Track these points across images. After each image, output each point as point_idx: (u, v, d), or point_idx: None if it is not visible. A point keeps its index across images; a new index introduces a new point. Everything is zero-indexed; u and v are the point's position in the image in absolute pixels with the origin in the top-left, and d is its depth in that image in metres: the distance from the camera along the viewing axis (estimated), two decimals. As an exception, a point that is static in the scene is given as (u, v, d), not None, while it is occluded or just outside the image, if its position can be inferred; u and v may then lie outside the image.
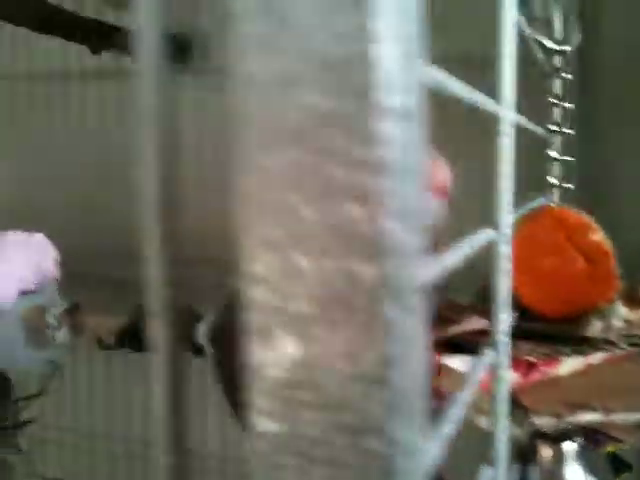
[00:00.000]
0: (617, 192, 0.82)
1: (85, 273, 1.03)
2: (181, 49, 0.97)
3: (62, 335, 0.90)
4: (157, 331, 0.18)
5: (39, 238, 0.74)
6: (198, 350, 0.90)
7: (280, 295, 0.15)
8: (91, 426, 1.28)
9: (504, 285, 0.30)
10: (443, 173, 0.54)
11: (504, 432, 0.34)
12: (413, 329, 0.14)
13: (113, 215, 1.20)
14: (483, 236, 0.27)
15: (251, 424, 0.15)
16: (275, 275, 0.15)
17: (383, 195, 0.13)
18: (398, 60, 0.12)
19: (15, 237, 0.73)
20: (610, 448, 0.52)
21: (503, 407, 0.33)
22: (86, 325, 0.93)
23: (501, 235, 0.29)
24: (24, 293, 0.77)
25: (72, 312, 0.91)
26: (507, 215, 0.29)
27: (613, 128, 0.83)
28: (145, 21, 0.15)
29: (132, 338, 0.96)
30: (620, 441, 0.44)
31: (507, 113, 0.28)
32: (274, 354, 0.15)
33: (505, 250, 0.29)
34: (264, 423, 0.15)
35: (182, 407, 0.18)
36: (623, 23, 0.81)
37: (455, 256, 0.23)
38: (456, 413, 0.26)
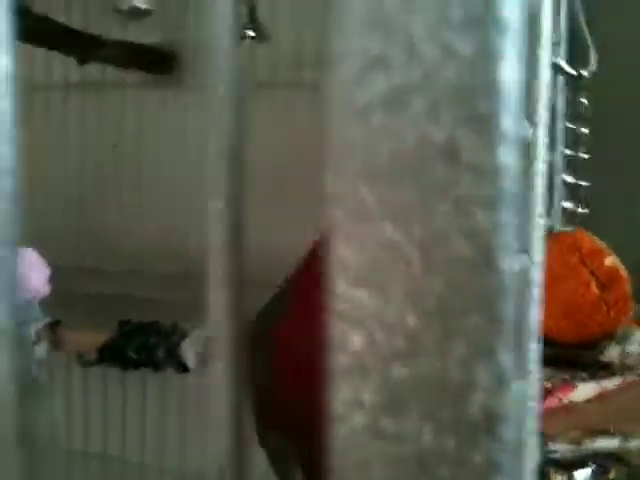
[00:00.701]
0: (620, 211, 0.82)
1: (67, 289, 1.01)
2: (162, 61, 0.96)
3: (41, 350, 0.89)
4: (220, 349, 0.16)
5: (29, 254, 0.72)
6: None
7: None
8: (69, 442, 1.25)
9: (534, 313, 0.29)
10: None
11: (531, 464, 0.33)
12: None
13: (98, 231, 1.18)
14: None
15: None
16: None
17: (496, 230, 0.12)
18: (519, 84, 0.11)
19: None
20: (611, 475, 0.51)
21: (532, 440, 0.32)
22: (66, 341, 0.91)
23: (534, 262, 0.28)
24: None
25: (53, 328, 0.90)
26: (539, 242, 0.28)
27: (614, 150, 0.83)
28: (220, 34, 0.14)
29: (113, 354, 0.95)
30: (637, 468, 0.43)
31: (541, 139, 0.27)
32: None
33: (537, 277, 0.28)
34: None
35: (243, 431, 0.17)
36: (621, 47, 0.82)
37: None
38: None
